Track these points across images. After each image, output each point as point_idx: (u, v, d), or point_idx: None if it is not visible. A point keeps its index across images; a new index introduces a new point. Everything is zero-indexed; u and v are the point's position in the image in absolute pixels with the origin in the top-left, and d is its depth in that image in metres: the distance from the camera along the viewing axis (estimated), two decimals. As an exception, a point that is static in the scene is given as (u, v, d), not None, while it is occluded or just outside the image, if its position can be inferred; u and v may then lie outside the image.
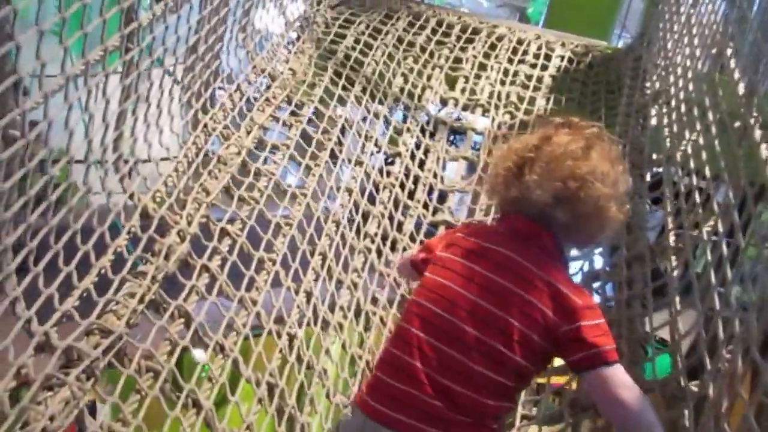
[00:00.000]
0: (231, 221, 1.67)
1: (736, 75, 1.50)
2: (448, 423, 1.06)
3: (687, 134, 1.66)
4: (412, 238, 1.98)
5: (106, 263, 1.32)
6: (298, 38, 2.50)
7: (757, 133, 1.26)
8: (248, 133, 1.94)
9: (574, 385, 1.43)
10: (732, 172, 1.31)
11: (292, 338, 1.55)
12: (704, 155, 1.49)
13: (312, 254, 1.75)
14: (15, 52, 1.02)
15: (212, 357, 1.40)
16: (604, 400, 1.07)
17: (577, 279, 1.68)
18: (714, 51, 1.76)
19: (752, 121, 1.29)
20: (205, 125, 1.85)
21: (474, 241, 1.14)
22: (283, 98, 2.17)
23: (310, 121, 2.12)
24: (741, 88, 1.43)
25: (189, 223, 1.55)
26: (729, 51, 1.63)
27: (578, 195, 1.07)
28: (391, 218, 1.98)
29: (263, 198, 1.77)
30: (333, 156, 2.05)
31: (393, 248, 1.94)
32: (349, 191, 1.97)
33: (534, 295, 1.05)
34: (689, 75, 1.89)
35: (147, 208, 1.49)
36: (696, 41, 1.96)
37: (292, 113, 2.12)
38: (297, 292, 1.64)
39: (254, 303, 1.53)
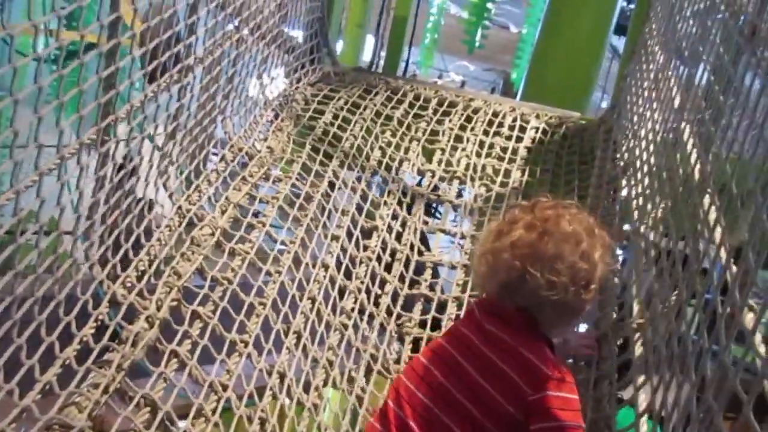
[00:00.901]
0: (203, 303, 1.67)
1: (689, 149, 1.55)
2: None
3: (649, 208, 1.70)
4: (389, 312, 1.98)
5: (71, 353, 1.31)
6: (277, 116, 2.58)
7: (705, 204, 1.30)
8: (223, 213, 1.97)
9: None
10: (688, 245, 1.34)
11: (264, 422, 1.52)
12: (660, 229, 1.53)
13: (286, 333, 1.74)
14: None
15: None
16: None
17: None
18: (673, 125, 1.83)
19: (704, 198, 1.33)
20: (180, 207, 1.88)
21: (470, 310, 1.23)
22: (261, 176, 2.22)
23: (286, 197, 2.16)
24: (694, 162, 1.48)
25: (158, 308, 1.56)
26: (683, 125, 1.69)
27: (521, 286, 1.10)
28: (368, 292, 1.98)
29: (237, 278, 1.78)
30: (309, 231, 2.08)
31: (370, 323, 1.93)
32: (326, 267, 1.98)
33: (507, 363, 1.09)
34: (651, 148, 1.95)
35: (116, 294, 1.50)
36: (656, 115, 2.03)
37: (270, 190, 2.16)
38: (270, 374, 1.63)
39: (225, 388, 1.51)
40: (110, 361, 1.36)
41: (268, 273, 1.85)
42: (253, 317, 1.72)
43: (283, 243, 1.98)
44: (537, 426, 1.05)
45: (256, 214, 2.05)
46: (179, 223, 1.85)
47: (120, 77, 1.59)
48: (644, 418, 1.22)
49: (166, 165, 1.90)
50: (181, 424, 1.52)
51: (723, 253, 1.18)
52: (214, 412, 1.45)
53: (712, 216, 1.28)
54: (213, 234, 1.87)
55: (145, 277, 1.60)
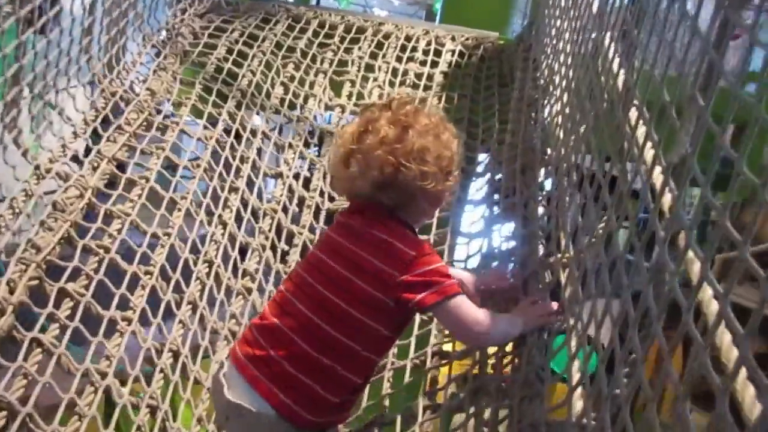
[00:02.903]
0: (73, 278, 1.42)
1: (614, 64, 1.39)
2: (289, 380, 1.08)
3: (569, 127, 1.55)
4: (301, 268, 1.78)
5: None
6: (159, 54, 2.24)
7: (632, 119, 1.15)
8: (95, 169, 1.68)
9: (475, 371, 1.35)
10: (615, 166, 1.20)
11: (154, 410, 1.32)
12: (583, 150, 1.38)
13: (179, 304, 1.52)
14: None
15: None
16: (455, 332, 1.19)
17: (476, 260, 1.61)
18: (592, 35, 1.66)
19: (629, 112, 1.18)
20: (37, 167, 1.58)
21: (337, 219, 1.23)
22: (141, 123, 1.92)
23: (173, 146, 1.88)
24: (618, 79, 1.32)
25: (11, 291, 1.30)
26: (604, 35, 1.53)
27: (395, 180, 1.11)
28: (273, 249, 1.77)
29: (115, 244, 1.53)
30: (203, 184, 1.82)
31: (277, 284, 1.74)
32: (224, 223, 1.75)
33: (369, 251, 1.11)
34: (569, 62, 1.79)
35: (-50, 280, 1.23)
36: (575, 24, 1.85)
37: (153, 140, 1.88)
38: (160, 352, 1.42)
39: (104, 376, 1.29)
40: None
41: (155, 236, 1.61)
42: (138, 289, 1.48)
43: (171, 200, 1.72)
44: (417, 297, 1.08)
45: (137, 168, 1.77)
46: (36, 185, 1.55)
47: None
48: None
49: (14, 117, 1.58)
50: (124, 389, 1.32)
51: (657, 172, 1.04)
52: (89, 406, 1.24)
53: (641, 131, 1.14)
54: (82, 195, 1.59)
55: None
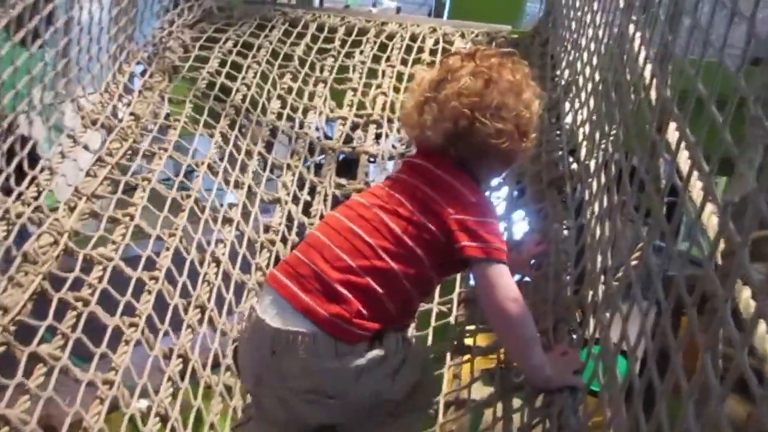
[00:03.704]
0: (45, 339, 1.28)
1: (647, 70, 1.19)
2: (330, 292, 1.05)
3: (597, 138, 1.36)
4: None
5: None
6: (144, 72, 2.09)
7: (673, 135, 0.96)
8: (72, 210, 1.53)
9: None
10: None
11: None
12: (614, 169, 1.20)
13: (168, 357, 1.37)
14: None
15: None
16: (486, 298, 1.10)
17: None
18: (616, 30, 1.47)
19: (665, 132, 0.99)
20: (7, 211, 1.44)
21: (404, 161, 1.24)
22: (126, 152, 1.76)
23: (162, 176, 1.73)
24: (652, 89, 1.13)
25: (-27, 364, 1.15)
26: (631, 29, 1.33)
27: (469, 134, 1.10)
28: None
29: (96, 295, 1.38)
30: (194, 216, 1.67)
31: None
32: (217, 261, 1.59)
33: (434, 189, 1.11)
34: (594, 60, 1.59)
35: None
36: (598, 17, 1.65)
37: (138, 170, 1.72)
38: (147, 415, 1.27)
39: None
40: None
41: (140, 281, 1.45)
42: (122, 345, 1.33)
43: (159, 238, 1.57)
44: (463, 243, 1.07)
45: (120, 204, 1.62)
46: (6, 234, 1.41)
47: None
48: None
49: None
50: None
51: (711, 208, 0.85)
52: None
53: (683, 153, 0.95)
54: (56, 242, 1.44)
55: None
